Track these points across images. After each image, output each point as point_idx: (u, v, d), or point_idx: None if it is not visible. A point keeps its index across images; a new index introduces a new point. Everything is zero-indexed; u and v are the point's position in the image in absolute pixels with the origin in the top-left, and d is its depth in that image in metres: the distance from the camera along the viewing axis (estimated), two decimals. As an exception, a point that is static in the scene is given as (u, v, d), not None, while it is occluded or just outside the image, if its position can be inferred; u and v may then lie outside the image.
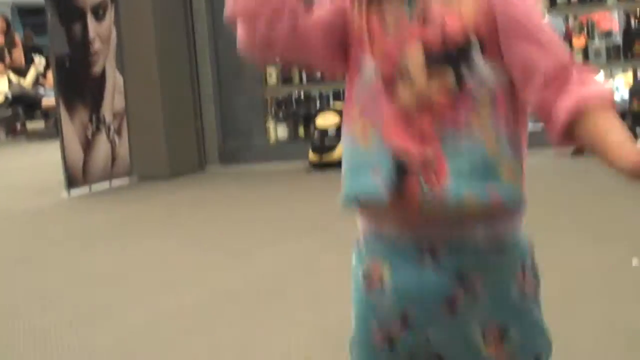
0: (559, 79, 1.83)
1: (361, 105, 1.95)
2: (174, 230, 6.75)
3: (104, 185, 8.93)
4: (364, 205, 1.96)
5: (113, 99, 9.06)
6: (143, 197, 8.46)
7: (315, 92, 10.04)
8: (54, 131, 12.27)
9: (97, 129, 8.87)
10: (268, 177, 8.95)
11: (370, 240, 1.98)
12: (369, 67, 1.94)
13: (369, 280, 1.96)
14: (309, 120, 9.64)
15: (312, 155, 9.04)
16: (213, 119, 9.91)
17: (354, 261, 2.00)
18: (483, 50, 1.89)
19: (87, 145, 8.76)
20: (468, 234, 1.90)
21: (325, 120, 9.11)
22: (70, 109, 8.65)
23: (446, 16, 1.88)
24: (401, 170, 1.86)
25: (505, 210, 1.89)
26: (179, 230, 6.73)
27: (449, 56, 1.89)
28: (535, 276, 1.97)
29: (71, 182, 8.60)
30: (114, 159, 9.06)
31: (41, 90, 16.27)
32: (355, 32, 1.96)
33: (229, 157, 9.92)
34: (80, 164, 8.69)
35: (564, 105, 1.80)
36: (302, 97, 10.10)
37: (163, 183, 9.03)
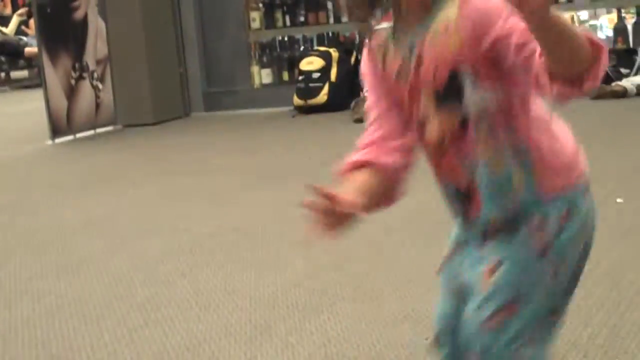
0: None
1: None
2: (158, 178, 6.73)
3: (89, 133, 8.91)
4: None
5: (96, 46, 9.02)
6: (127, 145, 8.44)
7: (299, 35, 9.99)
8: (37, 79, 12.24)
9: (81, 76, 8.85)
10: (253, 123, 8.93)
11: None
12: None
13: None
14: (293, 64, 9.60)
15: (296, 100, 9.02)
16: (197, 65, 9.88)
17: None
18: (478, 76, 1.96)
19: (71, 93, 8.73)
20: None
21: (310, 63, 9.08)
22: (53, 57, 8.61)
23: (434, 57, 1.97)
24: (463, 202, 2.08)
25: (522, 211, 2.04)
26: (163, 177, 6.71)
27: (448, 94, 1.99)
28: (557, 248, 2.05)
29: (55, 130, 8.58)
30: (97, 106, 9.04)
31: (24, 39, 16.22)
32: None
33: (213, 103, 9.89)
34: (64, 112, 8.66)
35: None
36: (286, 40, 10.04)
37: (147, 130, 9.02)
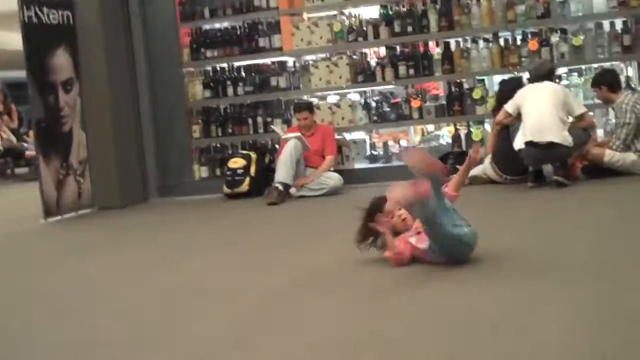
0: None
1: None
2: (125, 247, 6.65)
3: (73, 214, 8.80)
4: None
5: (78, 150, 8.94)
6: (102, 223, 8.34)
7: (227, 142, 10.01)
8: (35, 175, 12.07)
9: (67, 173, 8.75)
10: (194, 206, 8.90)
11: None
12: None
13: None
14: (223, 163, 9.61)
15: (225, 189, 9.02)
16: (153, 164, 9.83)
17: None
18: None
19: (59, 185, 8.63)
20: None
21: (235, 162, 9.09)
22: (47, 158, 8.52)
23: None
24: None
25: None
26: (129, 247, 6.64)
27: None
28: None
29: (47, 212, 8.47)
30: (79, 194, 8.93)
31: (25, 144, 16.08)
32: None
33: (165, 191, 9.84)
34: (54, 198, 8.56)
35: None
36: (219, 146, 10.06)
37: (117, 211, 8.92)
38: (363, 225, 4.70)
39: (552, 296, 3.67)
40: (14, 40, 18.84)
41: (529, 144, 7.31)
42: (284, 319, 3.76)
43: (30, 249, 7.09)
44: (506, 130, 7.83)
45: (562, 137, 7.27)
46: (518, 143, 7.44)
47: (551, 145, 7.23)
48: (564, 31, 8.77)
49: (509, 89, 7.96)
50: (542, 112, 7.33)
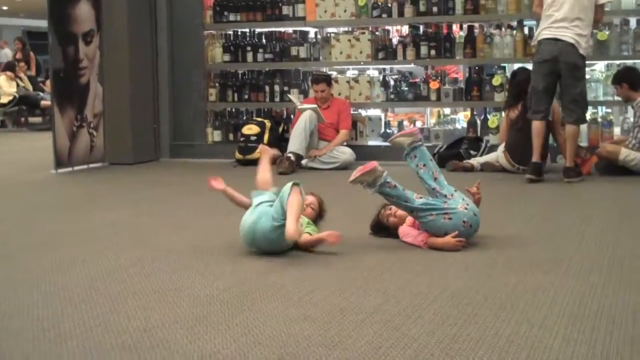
0: None
1: None
2: (133, 203, 6.67)
3: (84, 167, 8.81)
4: None
5: (94, 103, 8.94)
6: (112, 178, 8.35)
7: (242, 108, 9.99)
8: (48, 125, 12.10)
9: (81, 125, 8.75)
10: (204, 169, 8.88)
11: None
12: None
13: None
14: (237, 128, 9.59)
15: (237, 155, 9.00)
16: (167, 123, 9.83)
17: None
18: None
19: (72, 137, 8.63)
20: None
21: (249, 129, 9.08)
22: (62, 109, 8.52)
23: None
24: None
25: None
26: (137, 203, 6.66)
27: None
28: None
29: (59, 162, 8.48)
30: (92, 148, 8.94)
31: (41, 94, 16.09)
32: None
33: (177, 152, 9.85)
34: (67, 150, 8.56)
35: None
36: (233, 111, 10.04)
37: (127, 168, 8.95)
38: (375, 220, 4.91)
39: (554, 285, 3.67)
40: (37, -12, 18.91)
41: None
42: (283, 287, 3.76)
43: (38, 199, 7.11)
44: (521, 121, 7.77)
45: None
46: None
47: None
48: (589, 25, 8.67)
49: (523, 78, 7.86)
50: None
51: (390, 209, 4.76)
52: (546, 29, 7.22)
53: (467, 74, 9.36)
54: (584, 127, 7.93)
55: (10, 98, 15.67)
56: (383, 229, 4.83)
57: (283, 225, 4.21)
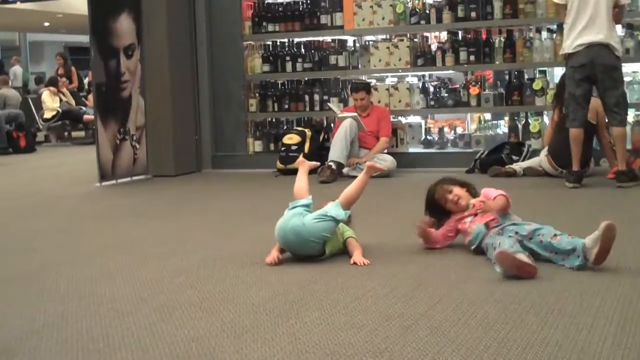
0: None
1: None
2: (177, 214, 6.72)
3: (127, 179, 8.89)
4: None
5: (136, 117, 9.02)
6: (155, 189, 8.42)
7: (283, 118, 10.02)
8: (91, 139, 12.24)
9: (124, 138, 8.84)
10: (246, 179, 8.94)
11: None
12: None
13: None
14: (277, 138, 9.62)
15: (279, 164, 9.03)
16: (208, 134, 9.89)
17: None
18: None
19: (116, 150, 8.72)
20: None
21: (290, 139, 9.10)
22: (105, 123, 8.60)
23: None
24: None
25: None
26: (180, 214, 6.70)
27: None
28: None
29: (102, 176, 8.58)
30: (135, 160, 9.02)
31: (84, 108, 16.31)
32: None
33: (218, 163, 9.90)
34: (110, 163, 8.65)
35: None
36: (274, 121, 10.07)
37: (170, 180, 9.02)
38: (431, 196, 4.87)
39: (602, 289, 3.62)
40: (77, 3, 19.19)
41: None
42: (329, 295, 3.76)
43: (83, 211, 7.19)
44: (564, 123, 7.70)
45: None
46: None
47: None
48: (630, 26, 8.58)
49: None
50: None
51: (452, 194, 4.71)
52: (576, 38, 7.14)
53: (506, 79, 9.30)
54: (627, 130, 7.83)
55: (54, 113, 15.89)
56: (437, 207, 4.79)
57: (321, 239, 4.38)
